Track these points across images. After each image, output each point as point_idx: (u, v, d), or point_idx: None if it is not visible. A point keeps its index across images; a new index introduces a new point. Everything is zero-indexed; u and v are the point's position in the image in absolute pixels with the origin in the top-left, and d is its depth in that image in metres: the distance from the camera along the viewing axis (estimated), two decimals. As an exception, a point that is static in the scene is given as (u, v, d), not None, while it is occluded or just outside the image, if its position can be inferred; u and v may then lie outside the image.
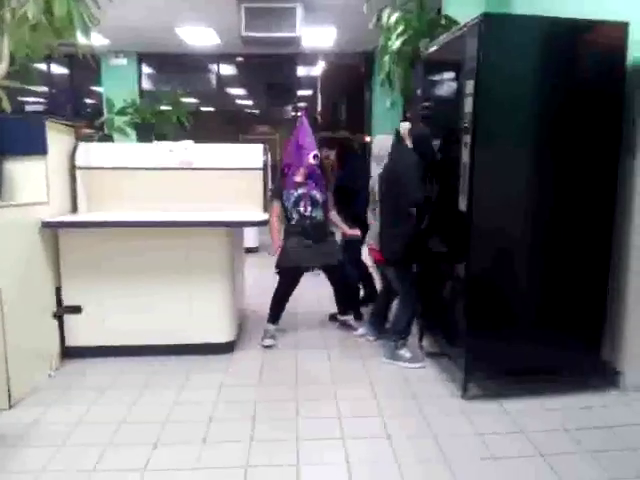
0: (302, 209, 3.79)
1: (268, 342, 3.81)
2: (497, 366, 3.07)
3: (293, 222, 3.82)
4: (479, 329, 2.90)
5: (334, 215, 4.04)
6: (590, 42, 2.81)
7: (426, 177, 3.28)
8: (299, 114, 4.28)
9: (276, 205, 3.90)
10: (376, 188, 3.62)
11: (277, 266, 3.86)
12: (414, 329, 3.71)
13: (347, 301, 4.24)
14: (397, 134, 3.43)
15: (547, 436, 2.58)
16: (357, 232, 4.07)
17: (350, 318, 4.19)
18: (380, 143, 3.90)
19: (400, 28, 4.32)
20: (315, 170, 3.87)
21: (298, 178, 3.80)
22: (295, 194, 3.80)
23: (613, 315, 3.05)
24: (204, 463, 2.36)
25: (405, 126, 3.46)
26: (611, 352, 3.09)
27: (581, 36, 2.80)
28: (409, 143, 3.35)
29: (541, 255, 2.94)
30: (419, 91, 3.78)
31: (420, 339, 3.75)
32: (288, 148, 4.02)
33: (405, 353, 3.50)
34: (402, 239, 3.38)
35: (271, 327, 3.90)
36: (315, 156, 3.78)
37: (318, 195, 3.84)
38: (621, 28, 2.76)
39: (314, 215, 3.81)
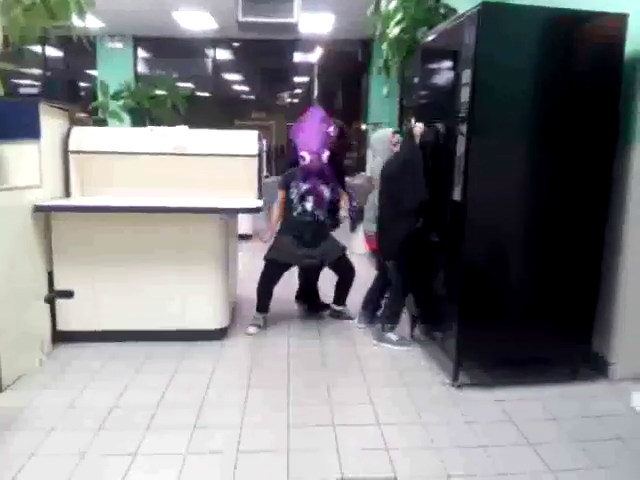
0: (308, 205, 3.70)
1: (251, 330, 3.80)
2: (488, 355, 3.10)
3: (295, 213, 3.74)
4: (471, 318, 2.92)
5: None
6: (589, 33, 2.79)
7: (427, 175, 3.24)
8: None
9: (281, 195, 3.82)
10: (375, 175, 3.59)
11: (266, 257, 3.82)
12: (406, 317, 3.74)
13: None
14: (409, 132, 3.35)
15: (536, 425, 2.60)
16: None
17: (345, 308, 4.15)
18: (380, 137, 3.90)
19: (398, 16, 4.30)
20: (323, 169, 3.71)
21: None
22: (304, 188, 3.70)
23: (604, 307, 3.07)
24: (195, 448, 2.37)
25: (419, 125, 3.32)
26: (601, 343, 3.12)
27: (580, 27, 2.78)
28: (417, 141, 3.28)
29: (534, 246, 2.94)
30: (416, 79, 3.76)
31: (412, 328, 3.77)
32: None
33: (392, 336, 3.57)
34: (400, 236, 3.38)
35: (258, 315, 3.90)
36: (301, 157, 3.64)
37: (326, 192, 3.73)
38: (620, 20, 2.75)
39: (317, 214, 3.72)
